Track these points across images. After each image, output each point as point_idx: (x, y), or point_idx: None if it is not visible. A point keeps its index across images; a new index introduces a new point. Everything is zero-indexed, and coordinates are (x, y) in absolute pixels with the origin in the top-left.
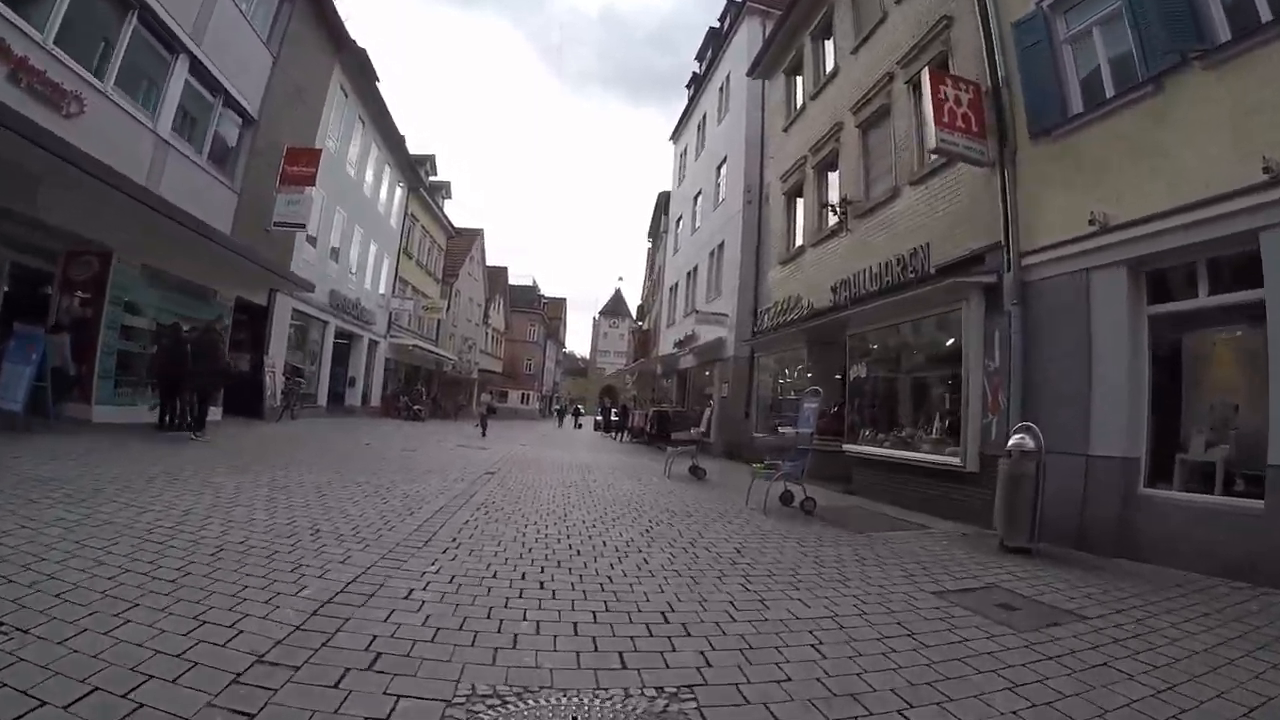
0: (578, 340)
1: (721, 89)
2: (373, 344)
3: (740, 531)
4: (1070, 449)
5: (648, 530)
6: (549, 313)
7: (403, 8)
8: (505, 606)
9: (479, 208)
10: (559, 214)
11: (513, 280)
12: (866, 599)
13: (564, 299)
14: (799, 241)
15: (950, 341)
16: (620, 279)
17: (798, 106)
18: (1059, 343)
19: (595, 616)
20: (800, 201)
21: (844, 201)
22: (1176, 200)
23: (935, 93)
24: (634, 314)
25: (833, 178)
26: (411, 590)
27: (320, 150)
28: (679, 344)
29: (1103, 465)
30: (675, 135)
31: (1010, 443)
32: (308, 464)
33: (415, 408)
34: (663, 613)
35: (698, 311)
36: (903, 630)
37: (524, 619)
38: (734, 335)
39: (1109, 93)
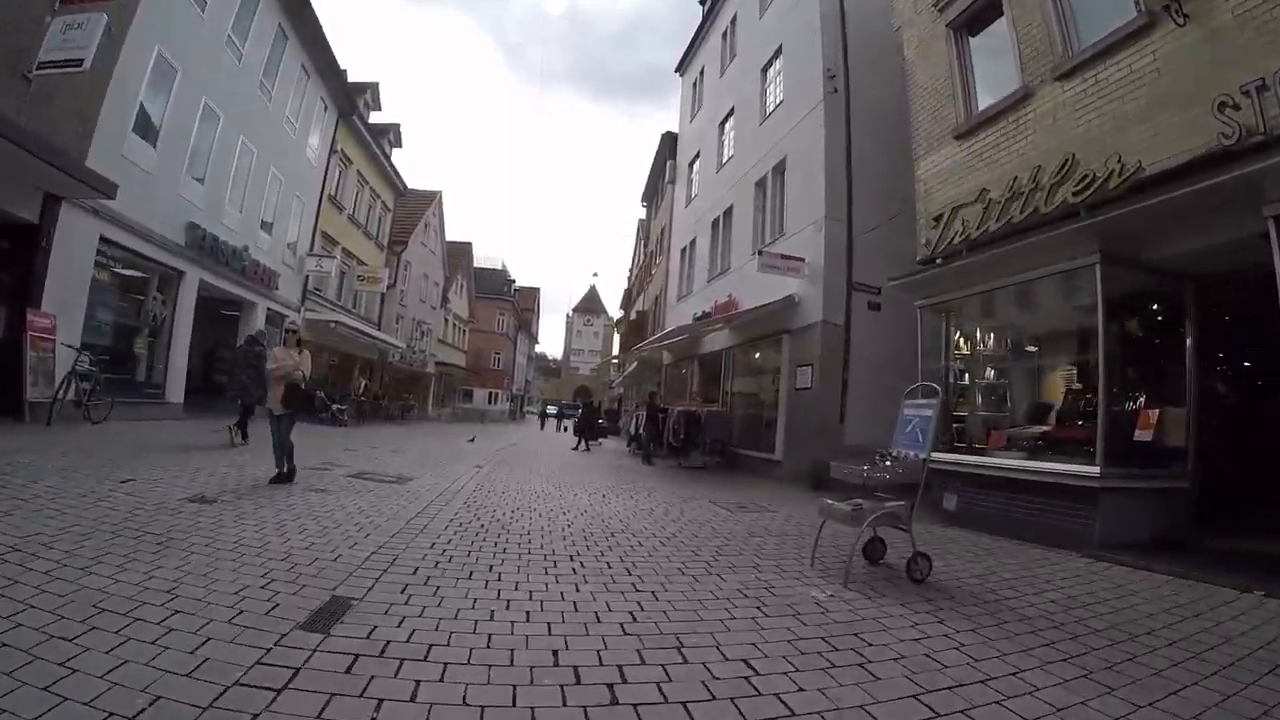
0: (548, 342)
1: None
2: (278, 318)
3: None
4: None
5: None
6: (521, 302)
7: (361, 6)
8: None
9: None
10: (524, 216)
11: (478, 263)
12: None
13: (537, 289)
14: (1006, 90)
15: None
16: (595, 274)
17: None
18: None
19: None
20: (977, 37)
21: None
22: None
23: None
24: (611, 310)
25: None
26: None
27: None
28: (701, 317)
29: None
30: (683, 66)
31: None
32: None
33: (336, 407)
34: None
35: (761, 254)
36: None
37: None
38: (820, 290)
39: None
